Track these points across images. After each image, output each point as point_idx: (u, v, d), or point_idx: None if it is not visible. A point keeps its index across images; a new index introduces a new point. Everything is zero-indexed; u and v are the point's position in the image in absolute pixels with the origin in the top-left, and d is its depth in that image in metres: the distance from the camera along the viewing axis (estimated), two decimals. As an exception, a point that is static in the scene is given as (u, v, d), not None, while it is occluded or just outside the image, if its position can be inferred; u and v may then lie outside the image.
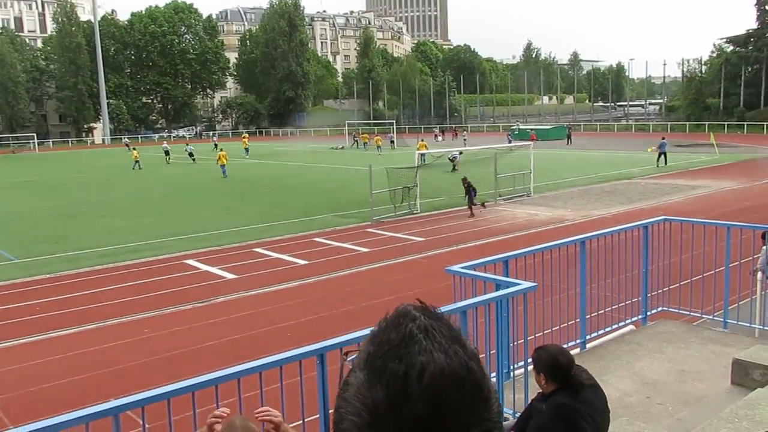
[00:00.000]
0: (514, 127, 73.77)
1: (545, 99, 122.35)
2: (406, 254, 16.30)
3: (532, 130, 70.20)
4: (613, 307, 7.78)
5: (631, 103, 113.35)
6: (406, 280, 13.66)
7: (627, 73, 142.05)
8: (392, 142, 64.45)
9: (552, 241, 7.14)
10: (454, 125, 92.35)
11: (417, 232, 19.07)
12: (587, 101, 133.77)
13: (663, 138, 40.18)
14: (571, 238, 7.26)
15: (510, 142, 53.41)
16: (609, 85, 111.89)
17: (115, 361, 9.73)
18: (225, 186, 33.59)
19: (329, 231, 19.71)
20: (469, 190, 21.62)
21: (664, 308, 8.23)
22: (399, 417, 0.74)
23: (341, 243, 17.76)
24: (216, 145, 69.12)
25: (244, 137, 61.52)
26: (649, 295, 8.00)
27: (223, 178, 36.92)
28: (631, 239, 7.78)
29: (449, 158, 35.65)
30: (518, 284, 5.43)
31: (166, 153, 49.87)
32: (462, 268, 5.82)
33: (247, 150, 56.69)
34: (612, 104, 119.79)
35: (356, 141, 64.60)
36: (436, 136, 73.55)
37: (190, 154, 49.55)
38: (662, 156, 36.58)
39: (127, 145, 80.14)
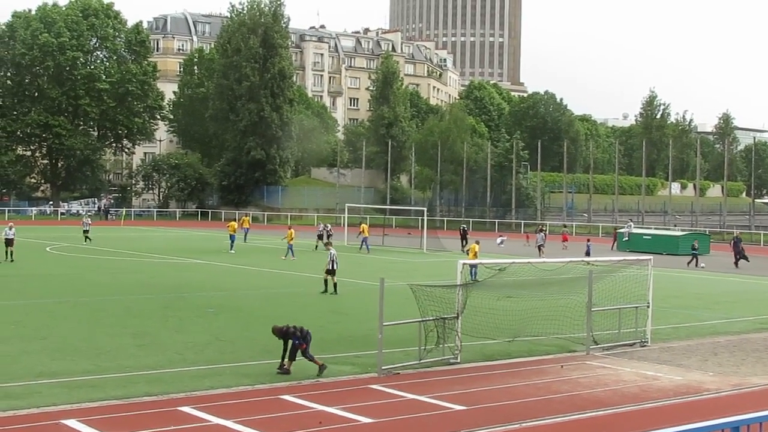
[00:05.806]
0: (624, 229, 74.05)
1: (675, 187, 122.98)
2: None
3: (649, 236, 70.19)
4: None
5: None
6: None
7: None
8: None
9: (682, 425, 7.04)
10: (524, 221, 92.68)
11: (455, 395, 18.87)
12: (743, 194, 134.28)
13: None
14: (715, 420, 7.20)
15: (579, 253, 53.75)
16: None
17: None
18: (139, 300, 33.64)
19: (306, 385, 19.56)
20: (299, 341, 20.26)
21: None
22: None
23: (325, 406, 17.59)
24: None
25: (244, 218, 65.09)
26: None
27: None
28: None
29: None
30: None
31: (7, 242, 48.20)
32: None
33: (232, 238, 59.21)
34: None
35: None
36: (499, 236, 73.71)
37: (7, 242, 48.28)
38: None
39: None
